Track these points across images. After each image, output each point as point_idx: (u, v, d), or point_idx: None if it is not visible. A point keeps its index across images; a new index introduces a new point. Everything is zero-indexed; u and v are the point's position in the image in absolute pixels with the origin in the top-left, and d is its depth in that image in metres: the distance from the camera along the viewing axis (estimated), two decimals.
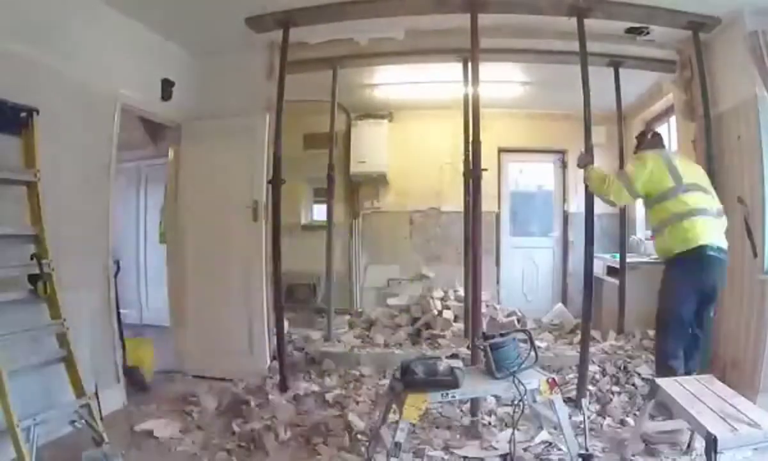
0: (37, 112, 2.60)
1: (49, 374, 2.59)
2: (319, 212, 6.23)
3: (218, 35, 3.68)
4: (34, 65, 2.65)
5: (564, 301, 5.77)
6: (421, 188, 5.93)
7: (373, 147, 5.74)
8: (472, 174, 3.17)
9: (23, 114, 2.56)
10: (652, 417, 2.60)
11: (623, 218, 4.55)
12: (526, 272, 5.98)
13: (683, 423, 2.39)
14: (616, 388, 3.37)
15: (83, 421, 2.49)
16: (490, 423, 2.95)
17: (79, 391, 2.55)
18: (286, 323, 3.64)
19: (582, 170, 3.17)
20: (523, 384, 2.28)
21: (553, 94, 5.11)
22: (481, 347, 2.42)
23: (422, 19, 3.45)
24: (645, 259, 4.52)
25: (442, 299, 4.96)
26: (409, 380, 2.21)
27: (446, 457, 2.57)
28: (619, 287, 4.30)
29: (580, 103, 3.17)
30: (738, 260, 3.25)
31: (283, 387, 3.38)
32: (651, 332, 3.95)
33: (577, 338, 4.05)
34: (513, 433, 2.44)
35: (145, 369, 3.56)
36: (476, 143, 3.16)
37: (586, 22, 3.19)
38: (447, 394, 2.23)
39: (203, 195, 3.88)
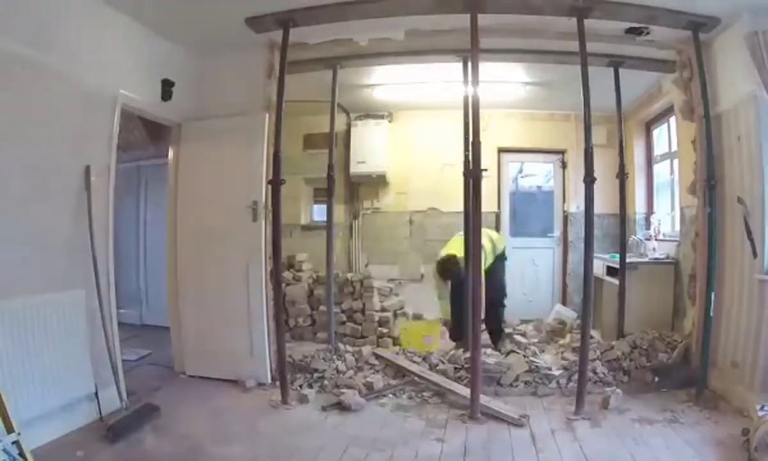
0: None
1: None
2: (319, 212, 6.23)
3: (218, 35, 3.67)
4: (34, 65, 2.65)
5: (564, 301, 5.78)
6: (421, 188, 5.94)
7: (373, 147, 5.75)
8: (472, 174, 3.17)
9: None
10: None
11: (623, 219, 4.55)
12: (526, 273, 5.99)
13: None
14: None
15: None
16: None
17: (8, 426, 2.14)
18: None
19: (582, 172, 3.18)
20: None
21: (553, 94, 5.11)
22: None
23: (422, 19, 3.45)
24: (645, 259, 4.52)
25: None
26: None
27: None
28: (619, 287, 4.30)
29: (580, 104, 3.17)
30: (738, 260, 3.27)
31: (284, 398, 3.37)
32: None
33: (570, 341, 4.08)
34: None
35: None
36: (476, 143, 3.17)
37: (586, 22, 3.19)
38: None
39: (203, 195, 3.87)
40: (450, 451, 2.67)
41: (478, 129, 3.18)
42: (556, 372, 3.62)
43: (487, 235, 4.46)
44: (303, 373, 3.75)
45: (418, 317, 5.20)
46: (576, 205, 5.73)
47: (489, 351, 3.96)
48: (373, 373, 3.77)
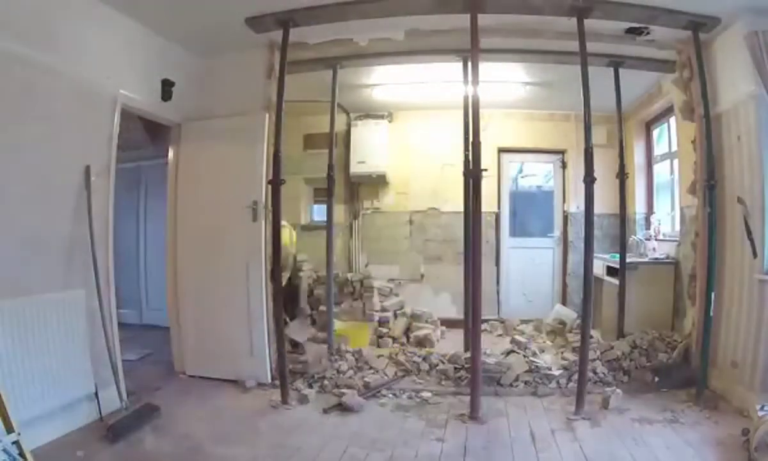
0: None
1: None
2: (319, 212, 6.24)
3: (218, 35, 3.67)
4: (34, 65, 2.65)
5: (564, 301, 5.78)
6: (421, 188, 5.94)
7: (373, 147, 5.75)
8: (472, 174, 3.17)
9: None
10: None
11: (623, 219, 4.55)
12: (526, 273, 5.99)
13: None
14: None
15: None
16: None
17: (8, 426, 2.13)
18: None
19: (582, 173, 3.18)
20: None
21: (553, 94, 5.12)
22: None
23: (422, 19, 3.45)
24: (645, 259, 4.52)
25: None
26: None
27: None
28: (619, 287, 4.30)
29: (580, 104, 3.17)
30: (738, 260, 3.27)
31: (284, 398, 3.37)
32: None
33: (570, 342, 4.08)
34: None
35: None
36: (476, 143, 3.17)
37: (586, 22, 3.19)
38: None
39: (203, 195, 3.86)
40: (450, 451, 2.67)
41: (478, 129, 3.18)
42: (556, 372, 3.62)
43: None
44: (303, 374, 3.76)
45: (417, 316, 5.20)
46: (576, 205, 5.73)
47: (489, 350, 3.95)
48: (373, 373, 3.77)
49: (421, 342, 4.76)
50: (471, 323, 3.38)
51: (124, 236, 5.27)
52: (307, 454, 2.64)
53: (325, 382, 3.63)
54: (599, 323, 4.78)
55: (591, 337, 3.62)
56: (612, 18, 3.30)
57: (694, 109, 3.57)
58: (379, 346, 4.78)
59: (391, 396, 3.48)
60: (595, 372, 3.59)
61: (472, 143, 3.20)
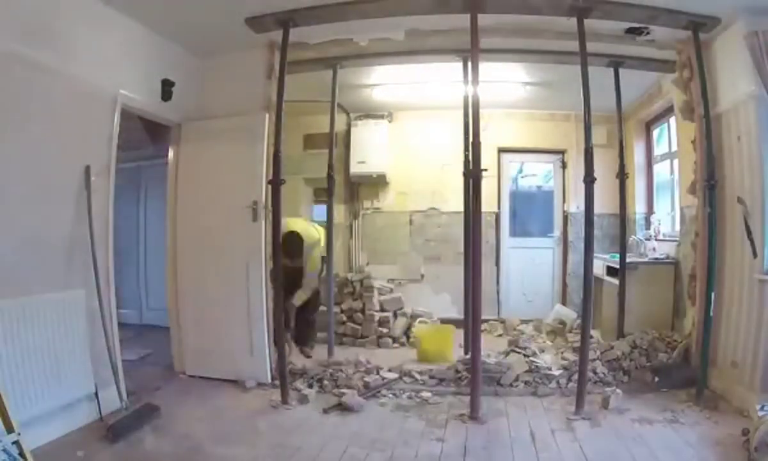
0: None
1: None
2: (319, 212, 6.23)
3: (218, 35, 3.68)
4: (34, 65, 2.65)
5: (564, 301, 5.78)
6: (421, 188, 5.95)
7: (373, 147, 5.75)
8: (472, 174, 3.17)
9: None
10: None
11: (623, 219, 4.55)
12: (526, 273, 5.99)
13: None
14: None
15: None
16: None
17: (8, 426, 2.12)
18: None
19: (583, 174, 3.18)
20: None
21: (553, 94, 5.12)
22: None
23: (422, 19, 3.45)
24: (645, 259, 4.52)
25: None
26: None
27: None
28: (619, 287, 4.30)
29: (580, 104, 3.17)
30: (738, 260, 3.27)
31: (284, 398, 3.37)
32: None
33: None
34: None
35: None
36: (476, 143, 3.17)
37: (586, 22, 3.19)
38: None
39: (203, 195, 3.86)
40: (450, 451, 2.67)
41: (478, 129, 3.18)
42: (556, 372, 3.62)
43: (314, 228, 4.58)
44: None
45: (417, 316, 5.20)
46: (576, 205, 5.73)
47: (489, 350, 3.94)
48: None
49: None
50: (471, 323, 3.38)
51: (124, 236, 5.26)
52: (307, 454, 2.64)
53: (325, 382, 3.63)
54: (599, 323, 4.78)
55: (591, 337, 3.62)
56: (612, 18, 3.30)
57: (694, 110, 3.57)
58: (378, 346, 4.79)
59: (391, 396, 3.49)
60: (595, 372, 3.59)
61: (472, 143, 3.20)
